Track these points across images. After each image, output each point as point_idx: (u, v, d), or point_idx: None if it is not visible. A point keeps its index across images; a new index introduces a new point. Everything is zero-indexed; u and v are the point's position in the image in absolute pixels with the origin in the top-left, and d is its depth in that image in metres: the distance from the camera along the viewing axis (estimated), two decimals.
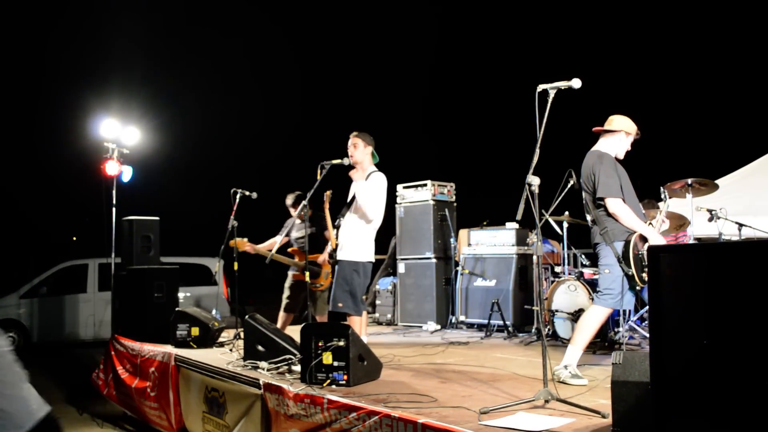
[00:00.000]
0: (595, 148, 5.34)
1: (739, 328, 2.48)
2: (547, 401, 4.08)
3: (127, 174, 9.81)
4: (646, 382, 3.18)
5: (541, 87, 4.31)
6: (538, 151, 4.26)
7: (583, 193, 5.32)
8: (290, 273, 8.03)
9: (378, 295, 10.46)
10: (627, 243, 4.98)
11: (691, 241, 7.02)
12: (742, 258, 2.53)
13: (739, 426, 2.46)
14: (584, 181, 5.26)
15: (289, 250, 7.97)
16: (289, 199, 8.16)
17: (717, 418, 2.53)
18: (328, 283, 7.91)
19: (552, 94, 4.29)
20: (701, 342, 2.56)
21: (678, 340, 2.65)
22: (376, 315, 10.38)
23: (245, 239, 7.74)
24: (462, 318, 9.25)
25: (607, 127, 5.32)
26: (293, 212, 8.13)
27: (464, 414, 3.93)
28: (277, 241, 7.90)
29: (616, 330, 7.18)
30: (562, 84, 4.32)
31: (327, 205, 6.56)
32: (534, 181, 4.23)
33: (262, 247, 7.93)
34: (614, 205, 5.02)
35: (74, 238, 36.12)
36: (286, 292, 8.01)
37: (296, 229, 8.17)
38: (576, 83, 4.30)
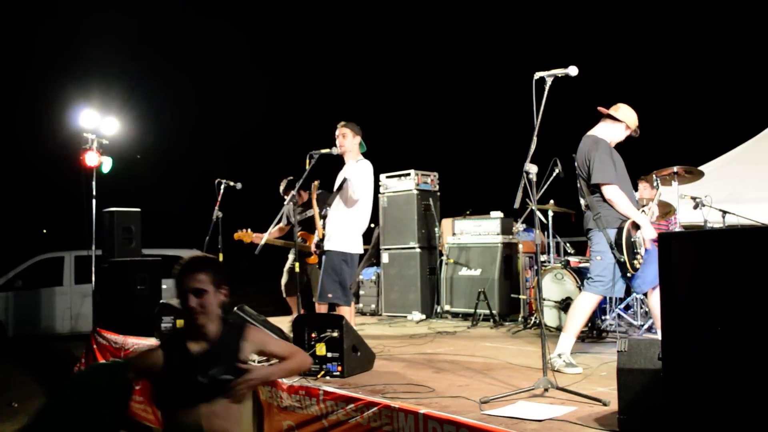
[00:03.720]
0: (591, 132, 5.30)
1: (751, 313, 2.46)
2: (546, 390, 4.06)
3: (106, 165, 9.66)
4: (652, 369, 3.17)
5: (538, 74, 4.28)
6: (535, 139, 4.24)
7: (578, 178, 5.31)
8: (291, 256, 7.98)
9: (361, 285, 10.41)
10: (620, 230, 4.97)
11: (678, 229, 7.06)
12: (754, 244, 2.51)
13: (753, 413, 2.44)
14: (579, 165, 5.23)
15: (300, 234, 7.83)
16: (282, 186, 8.08)
17: (730, 405, 2.51)
18: None
19: (549, 81, 4.26)
20: (714, 329, 2.54)
21: (690, 328, 2.63)
22: (360, 305, 10.33)
23: (249, 230, 7.63)
24: (447, 307, 9.23)
25: (612, 112, 5.27)
26: (287, 198, 8.06)
27: (464, 404, 3.91)
28: (272, 228, 7.91)
29: (603, 318, 7.21)
30: (559, 71, 4.29)
31: (315, 195, 6.50)
32: (532, 169, 4.21)
33: (269, 236, 7.83)
34: (610, 191, 5.01)
35: (44, 231, 35.63)
36: (286, 276, 7.98)
37: (296, 213, 8.13)
38: (573, 71, 4.27)
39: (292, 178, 7.99)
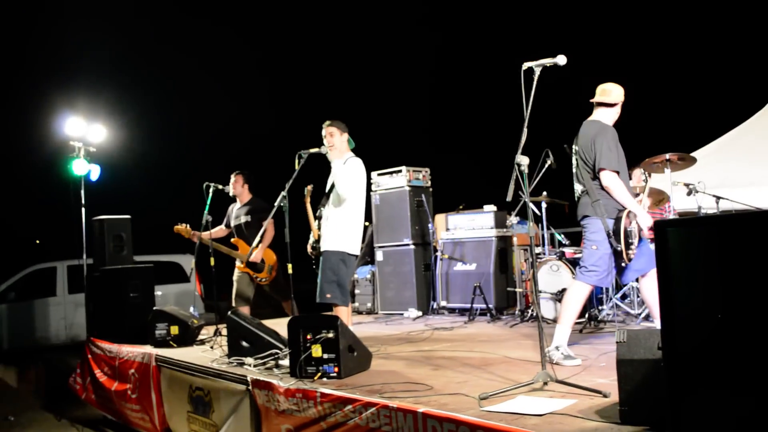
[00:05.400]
0: (594, 118, 5.23)
1: (753, 299, 2.42)
2: (545, 383, 4.02)
3: (95, 173, 9.54)
4: (652, 359, 3.12)
5: (526, 65, 4.22)
6: (525, 130, 4.18)
7: (575, 162, 5.24)
8: (237, 264, 7.95)
9: (357, 284, 10.35)
10: (618, 219, 4.94)
11: (673, 216, 7.02)
12: (753, 229, 2.46)
13: (756, 400, 2.40)
14: (582, 149, 5.15)
15: (233, 240, 7.84)
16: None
17: (733, 393, 2.47)
18: (273, 277, 7.85)
19: (537, 72, 4.21)
20: (714, 316, 2.49)
21: (689, 316, 2.59)
22: (356, 304, 10.28)
23: (187, 225, 7.59)
24: (443, 303, 9.19)
25: (604, 98, 5.21)
26: (232, 191, 8.05)
27: (463, 401, 3.86)
28: (212, 228, 7.85)
29: (600, 308, 7.17)
30: (548, 61, 4.24)
31: (308, 200, 6.47)
32: (523, 161, 4.16)
33: (206, 235, 7.61)
34: (609, 178, 4.96)
35: (37, 241, 35.41)
36: (235, 285, 7.95)
37: (233, 217, 8.10)
38: (561, 60, 4.23)
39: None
